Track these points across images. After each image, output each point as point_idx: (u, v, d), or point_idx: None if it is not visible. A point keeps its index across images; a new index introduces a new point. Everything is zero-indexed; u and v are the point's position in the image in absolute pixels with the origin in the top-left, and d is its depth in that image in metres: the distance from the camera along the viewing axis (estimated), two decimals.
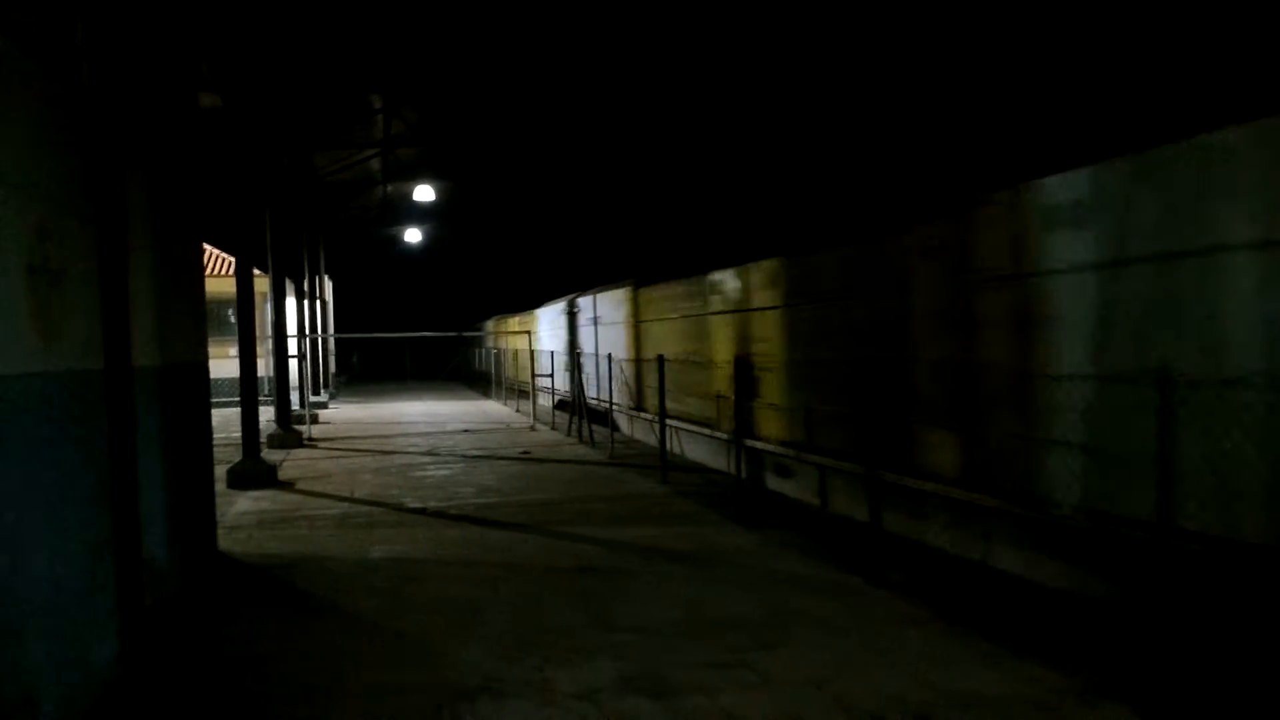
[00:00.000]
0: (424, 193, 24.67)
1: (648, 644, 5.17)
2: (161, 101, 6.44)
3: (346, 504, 10.02)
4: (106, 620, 4.78)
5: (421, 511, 9.45)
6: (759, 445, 10.08)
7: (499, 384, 27.01)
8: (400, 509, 9.62)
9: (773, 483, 10.32)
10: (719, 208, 26.00)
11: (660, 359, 11.08)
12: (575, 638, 5.30)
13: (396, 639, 5.38)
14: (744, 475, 10.07)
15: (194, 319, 6.98)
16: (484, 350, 34.66)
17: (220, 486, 11.02)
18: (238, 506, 9.98)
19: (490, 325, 34.59)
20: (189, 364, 6.59)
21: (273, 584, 6.70)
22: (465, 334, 30.04)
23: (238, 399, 12.02)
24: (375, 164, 25.27)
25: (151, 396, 5.93)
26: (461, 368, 40.30)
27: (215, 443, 15.83)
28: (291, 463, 13.61)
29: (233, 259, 27.39)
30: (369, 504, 10.00)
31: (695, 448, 13.65)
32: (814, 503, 9.30)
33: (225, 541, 8.06)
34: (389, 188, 28.09)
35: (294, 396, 19.19)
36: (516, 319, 30.37)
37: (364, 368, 44.07)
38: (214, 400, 22.40)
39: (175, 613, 5.97)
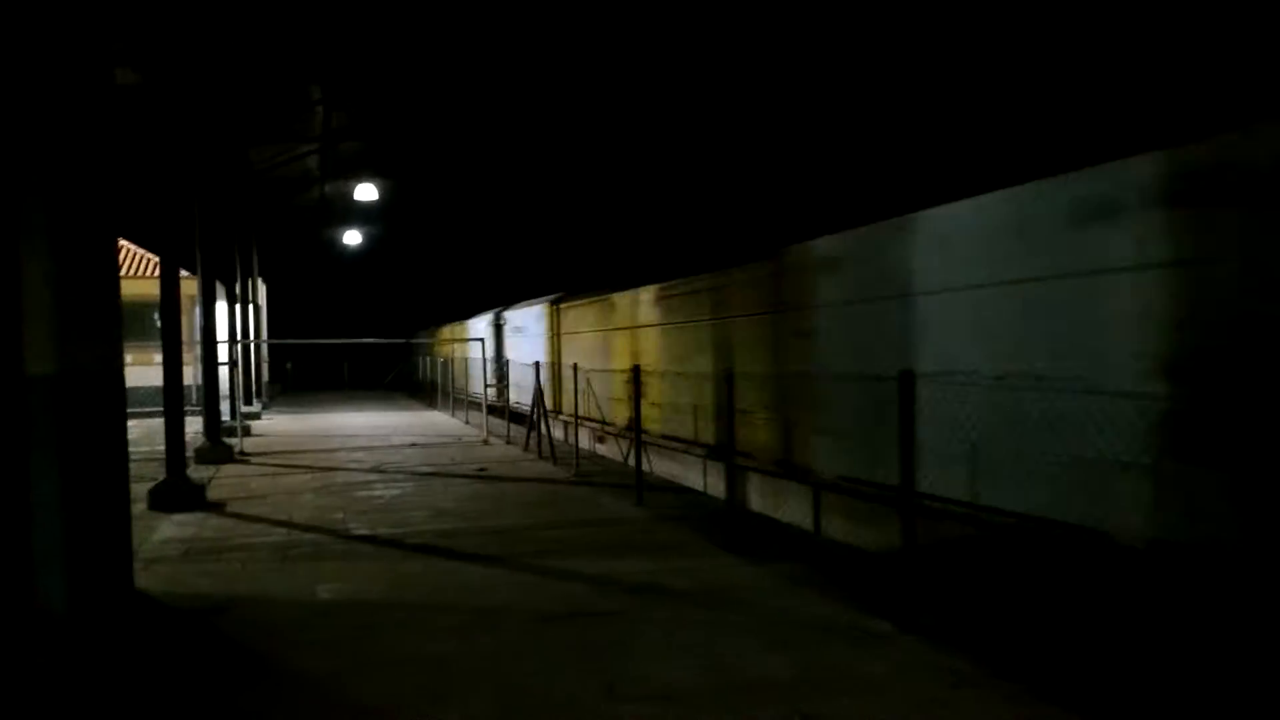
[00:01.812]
0: (365, 191, 23.40)
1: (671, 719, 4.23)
2: (58, 65, 5.31)
3: (285, 530, 8.86)
4: None
5: (372, 540, 8.35)
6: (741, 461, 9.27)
7: (445, 395, 25.76)
8: (347, 536, 8.51)
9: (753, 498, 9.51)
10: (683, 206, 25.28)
11: (636, 370, 10.16)
12: (579, 711, 4.33)
13: (355, 717, 4.34)
14: (735, 497, 9.19)
15: (104, 320, 5.82)
16: (429, 359, 33.29)
17: (140, 508, 9.78)
18: (160, 533, 8.75)
19: (444, 332, 33.26)
20: (97, 371, 5.44)
21: (201, 634, 5.57)
22: (411, 341, 28.70)
23: (162, 409, 10.75)
24: (313, 161, 23.88)
25: (48, 409, 4.80)
26: (406, 377, 38.76)
27: (138, 457, 14.46)
28: (222, 480, 12.33)
29: (157, 258, 25.72)
30: (311, 530, 8.85)
31: (666, 464, 12.78)
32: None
33: (145, 578, 6.87)
34: (327, 186, 26.68)
35: (225, 407, 17.77)
36: (469, 324, 29.28)
37: (299, 377, 42.05)
38: (139, 410, 20.76)
39: (71, 677, 4.82)
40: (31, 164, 4.85)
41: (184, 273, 16.68)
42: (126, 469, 6.12)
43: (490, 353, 20.36)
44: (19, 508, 3.95)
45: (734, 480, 8.76)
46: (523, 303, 22.86)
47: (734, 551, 7.56)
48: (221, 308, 21.53)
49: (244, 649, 5.27)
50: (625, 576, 6.81)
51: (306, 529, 8.89)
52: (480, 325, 25.88)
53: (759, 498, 10.08)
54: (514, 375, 19.27)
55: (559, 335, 18.73)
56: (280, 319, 38.65)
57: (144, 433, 18.58)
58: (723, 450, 10.64)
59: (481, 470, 12.95)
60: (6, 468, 3.89)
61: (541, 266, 32.61)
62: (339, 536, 8.50)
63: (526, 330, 21.50)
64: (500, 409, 20.74)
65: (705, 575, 6.80)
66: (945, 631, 5.46)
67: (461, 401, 23.93)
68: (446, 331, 32.38)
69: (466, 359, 25.22)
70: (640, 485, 10.11)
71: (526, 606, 6.05)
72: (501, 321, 21.60)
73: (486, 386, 19.23)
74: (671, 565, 7.12)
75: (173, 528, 9.01)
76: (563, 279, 25.53)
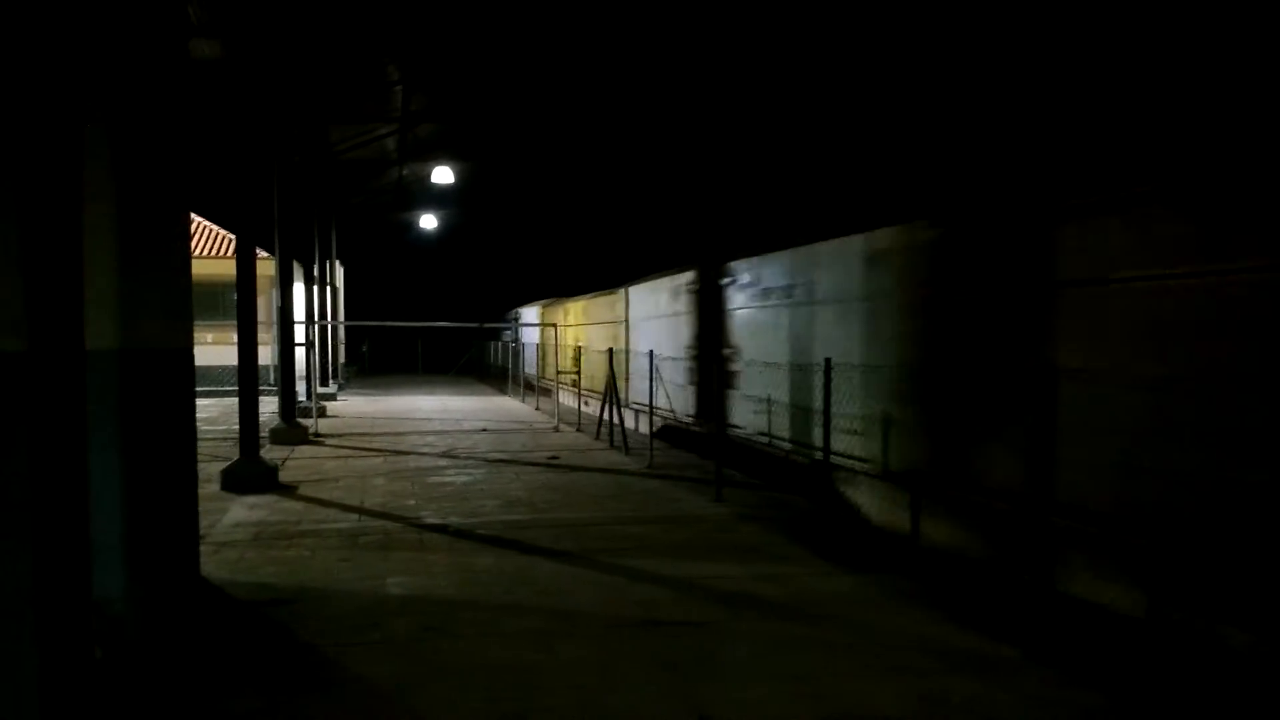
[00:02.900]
0: (443, 174, 23.23)
1: None
2: (134, 38, 5.01)
3: (356, 516, 8.61)
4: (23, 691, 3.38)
5: (443, 529, 8.03)
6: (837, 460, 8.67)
7: (515, 380, 25.60)
8: (418, 525, 8.20)
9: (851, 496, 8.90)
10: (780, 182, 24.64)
11: (721, 359, 9.63)
12: None
13: None
14: (824, 497, 8.63)
15: (173, 295, 5.53)
16: (500, 344, 33.21)
17: (213, 489, 9.67)
18: (231, 515, 8.57)
19: (534, 313, 33.05)
20: (165, 349, 5.16)
21: (265, 631, 5.27)
22: (486, 325, 28.67)
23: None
24: (391, 143, 23.82)
25: (109, 388, 4.52)
26: (476, 362, 38.83)
27: (214, 436, 14.52)
28: (295, 462, 12.21)
29: (234, 237, 26.12)
30: (382, 516, 8.58)
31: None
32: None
33: (211, 564, 6.65)
34: (405, 169, 26.66)
35: (301, 387, 17.80)
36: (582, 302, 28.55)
37: (374, 359, 42.52)
38: (218, 389, 20.96)
39: (129, 676, 4.55)
40: (95, 114, 4.57)
41: (262, 253, 16.76)
42: (194, 453, 5.85)
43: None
44: (75, 495, 3.64)
45: (828, 479, 8.15)
46: (602, 291, 22.49)
47: (826, 557, 7.02)
48: (299, 289, 21.66)
49: (309, 649, 4.95)
50: (710, 581, 6.32)
51: (377, 515, 8.62)
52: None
53: (850, 499, 9.48)
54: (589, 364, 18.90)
55: (628, 322, 18.31)
56: (357, 301, 39.05)
57: (222, 412, 18.79)
58: (805, 447, 10.09)
59: (553, 458, 12.60)
60: (63, 450, 3.58)
61: (622, 251, 32.17)
62: (410, 524, 8.20)
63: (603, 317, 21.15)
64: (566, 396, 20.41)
65: (798, 584, 6.27)
66: (1070, 655, 4.86)
67: (531, 388, 23.71)
68: (550, 309, 32.16)
69: (545, 346, 25.04)
70: (720, 480, 9.61)
71: (605, 612, 5.62)
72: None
73: (560, 373, 18.89)
74: (759, 571, 6.62)
75: (243, 510, 8.83)
76: (637, 264, 25.15)
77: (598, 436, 14.80)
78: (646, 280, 17.02)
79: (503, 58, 17.38)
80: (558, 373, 19.11)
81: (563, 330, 24.30)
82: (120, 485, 4.58)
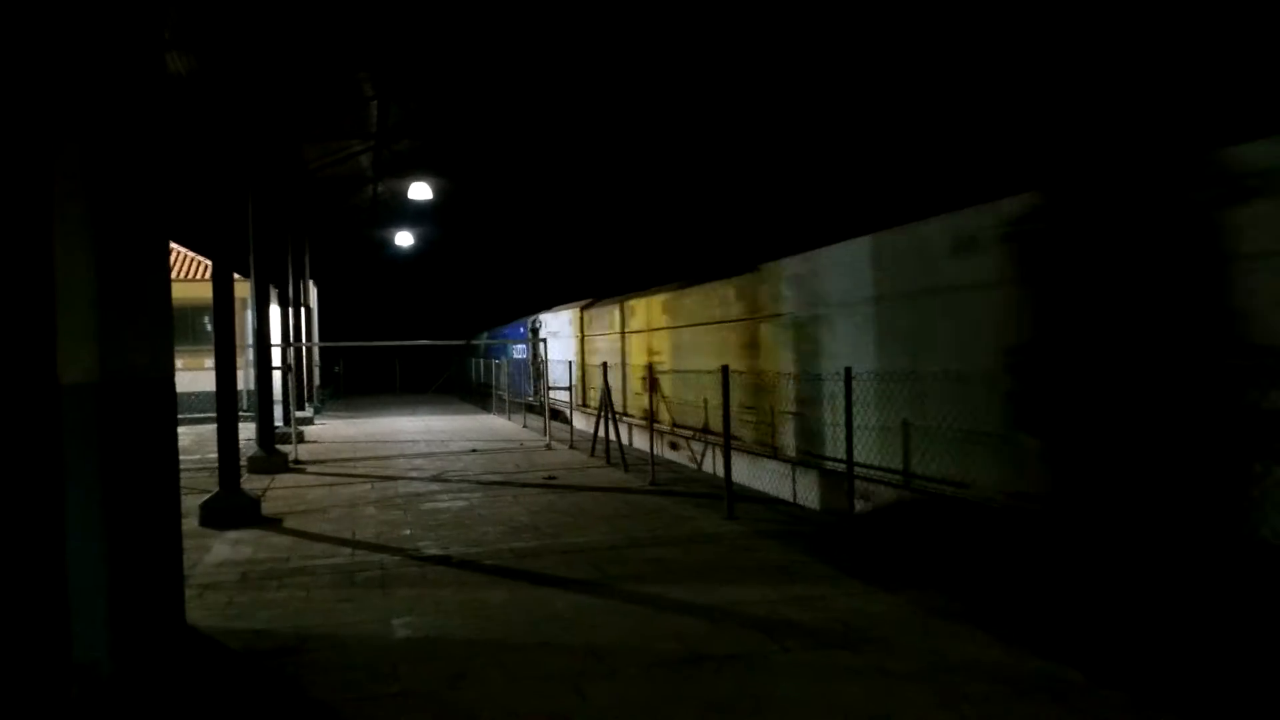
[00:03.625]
0: (420, 190, 22.73)
1: None
2: (109, 46, 4.54)
3: (350, 550, 8.09)
4: None
5: (445, 561, 7.54)
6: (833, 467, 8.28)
7: (499, 398, 25.07)
8: (418, 557, 7.70)
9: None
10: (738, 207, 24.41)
11: (725, 370, 9.23)
12: None
13: None
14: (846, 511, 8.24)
15: (154, 321, 5.03)
16: (483, 361, 32.60)
17: (192, 524, 9.11)
18: (214, 554, 8.02)
19: (564, 319, 30.67)
20: (146, 379, 4.66)
21: (271, 686, 4.76)
22: (472, 341, 28.08)
23: (214, 415, 10.07)
24: (366, 160, 23.33)
25: (88, 424, 4.03)
26: (457, 380, 38.18)
27: (188, 466, 13.86)
28: (277, 491, 11.65)
29: (205, 261, 25.37)
30: (377, 549, 8.07)
31: (742, 469, 11.86)
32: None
33: (197, 610, 6.12)
34: (380, 186, 26.14)
35: (277, 412, 17.19)
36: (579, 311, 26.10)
37: (349, 380, 41.72)
38: (189, 416, 20.26)
39: None
40: (70, 125, 4.09)
41: (236, 275, 16.19)
42: (177, 490, 5.34)
43: (552, 354, 19.54)
44: (51, 545, 3.15)
45: (852, 492, 7.74)
46: (604, 300, 21.77)
47: (857, 575, 6.62)
48: (273, 311, 21.03)
49: (323, 708, 4.45)
50: (743, 607, 5.90)
51: (373, 548, 8.11)
52: (556, 320, 25.05)
53: (868, 510, 9.11)
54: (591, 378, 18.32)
55: (625, 334, 17.84)
56: (330, 322, 38.32)
57: (194, 440, 18.12)
58: (818, 457, 9.72)
59: (550, 478, 12.13)
60: (36, 494, 3.09)
61: (602, 267, 31.79)
62: (409, 557, 7.70)
63: (599, 331, 20.53)
64: (553, 412, 19.94)
65: (835, 607, 5.86)
66: (1138, 676, 4.49)
67: (518, 405, 23.20)
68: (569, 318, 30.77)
69: (525, 362, 24.49)
70: (731, 496, 9.20)
71: (640, 647, 5.17)
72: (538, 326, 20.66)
73: (548, 388, 18.39)
74: (791, 593, 6.20)
75: (227, 548, 8.28)
76: (627, 278, 24.77)
77: (593, 453, 14.34)
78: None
79: (479, 70, 16.99)
80: (545, 388, 18.50)
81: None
82: (102, 529, 4.08)
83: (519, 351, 27.90)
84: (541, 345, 20.09)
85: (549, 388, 18.78)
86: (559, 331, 23.98)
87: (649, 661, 4.93)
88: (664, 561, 7.27)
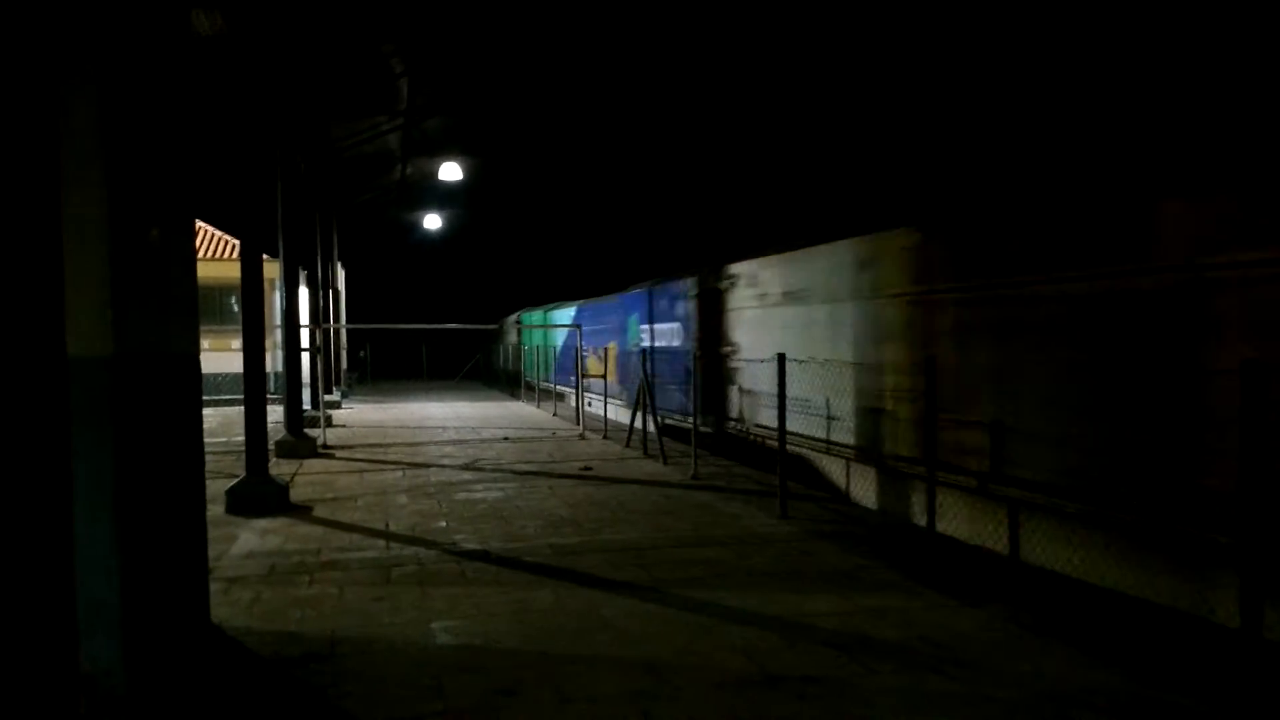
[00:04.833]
0: (449, 171, 22.26)
1: None
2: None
3: (384, 542, 7.65)
4: None
5: (484, 556, 7.08)
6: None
7: (529, 385, 24.66)
8: (455, 552, 7.25)
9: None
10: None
11: (781, 358, 8.70)
12: None
13: None
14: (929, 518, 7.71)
15: (176, 292, 4.56)
16: (508, 346, 32.14)
17: (217, 511, 8.70)
18: (241, 544, 7.62)
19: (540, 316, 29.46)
20: (168, 355, 4.21)
21: (301, 701, 4.32)
22: (500, 325, 27.56)
23: (240, 397, 9.67)
24: (395, 139, 22.87)
25: (99, 404, 3.58)
26: (482, 366, 37.78)
27: (215, 449, 13.50)
28: (305, 477, 11.26)
29: (233, 240, 25.07)
30: (412, 542, 7.63)
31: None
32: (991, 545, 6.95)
33: (223, 606, 5.70)
34: (409, 167, 25.71)
35: (305, 395, 16.84)
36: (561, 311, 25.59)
37: (375, 364, 41.42)
38: (216, 399, 19.98)
39: None
40: (82, 68, 3.64)
41: (264, 255, 15.79)
42: (203, 475, 4.90)
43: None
44: (57, 542, 2.70)
45: (932, 495, 7.15)
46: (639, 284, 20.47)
47: (931, 585, 6.09)
48: (302, 292, 20.69)
49: None
50: (813, 620, 5.39)
51: (408, 540, 7.67)
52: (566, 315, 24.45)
53: (923, 509, 8.55)
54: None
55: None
56: (357, 304, 38.03)
57: (221, 422, 17.82)
58: (878, 455, 9.17)
59: (586, 469, 11.65)
60: (43, 484, 2.64)
61: (630, 252, 31.26)
62: (446, 552, 7.25)
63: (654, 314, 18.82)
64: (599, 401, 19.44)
65: (916, 622, 5.33)
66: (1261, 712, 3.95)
67: (547, 392, 22.77)
68: (535, 317, 30.11)
69: (554, 348, 24.02)
70: (784, 494, 8.67)
71: (703, 664, 4.67)
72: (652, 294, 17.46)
73: (583, 376, 17.90)
74: (864, 604, 5.68)
75: (255, 537, 7.88)
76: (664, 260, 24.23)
77: (628, 444, 13.85)
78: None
79: (511, 45, 16.48)
80: (580, 377, 17.80)
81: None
82: (111, 515, 3.64)
83: (563, 336, 25.74)
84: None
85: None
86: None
87: (715, 680, 4.44)
88: (716, 564, 6.77)
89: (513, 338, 32.17)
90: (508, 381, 31.17)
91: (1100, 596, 6.16)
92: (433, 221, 29.94)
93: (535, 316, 29.40)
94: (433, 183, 25.34)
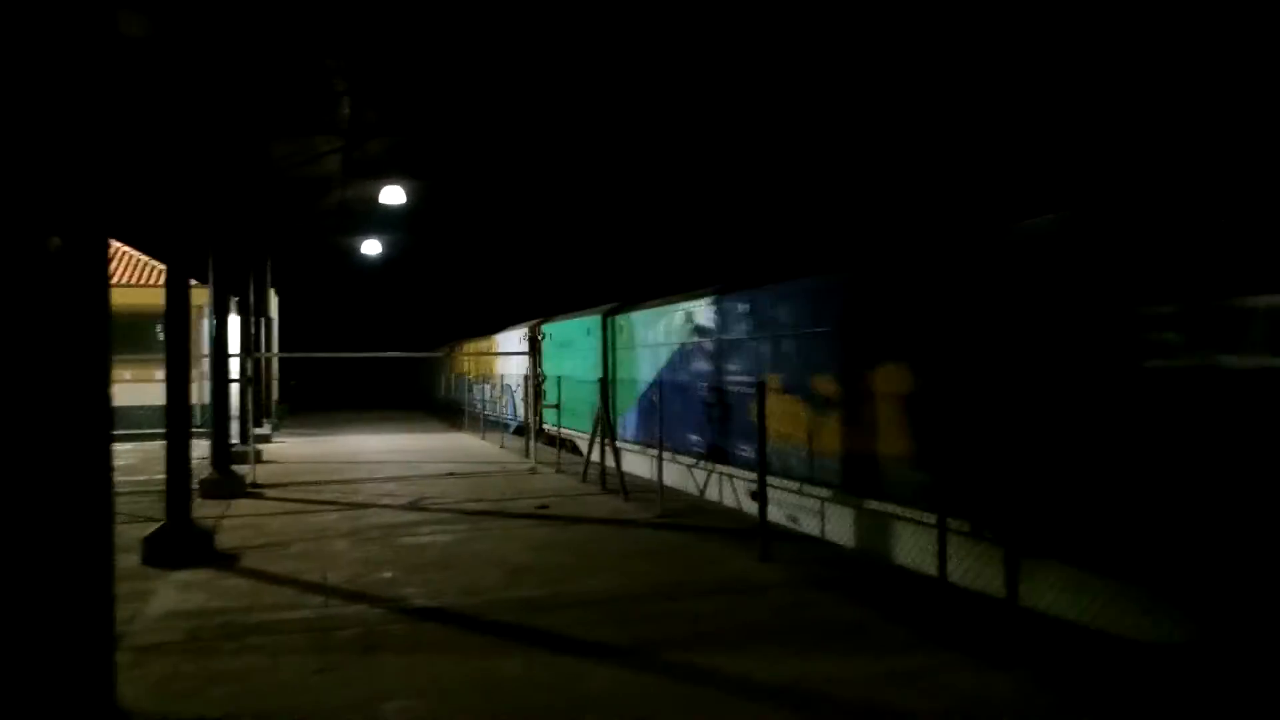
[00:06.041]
0: (392, 194, 21.38)
1: None
2: None
3: (322, 598, 6.77)
4: None
5: (439, 615, 6.26)
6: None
7: (474, 416, 23.72)
8: (405, 609, 6.41)
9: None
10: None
11: (761, 386, 8.07)
12: None
13: None
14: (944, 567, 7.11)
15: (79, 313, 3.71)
16: (451, 376, 31.11)
17: (133, 562, 7.72)
18: (158, 602, 6.66)
19: (477, 345, 28.67)
20: (62, 393, 3.37)
21: None
22: (442, 354, 26.66)
23: (163, 431, 8.69)
24: (334, 161, 21.93)
25: None
26: (425, 395, 36.55)
27: (132, 489, 12.31)
28: (233, 520, 10.26)
29: (158, 264, 23.73)
30: (355, 598, 6.76)
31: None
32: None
33: (134, 683, 4.79)
34: (348, 190, 24.71)
35: (233, 428, 15.70)
36: (498, 338, 25.27)
37: (308, 395, 39.73)
38: (137, 432, 18.64)
39: None
40: None
41: (191, 281, 14.73)
42: (110, 535, 4.03)
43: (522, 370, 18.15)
44: None
45: (942, 541, 6.51)
46: (568, 314, 20.40)
47: (947, 644, 5.46)
48: (231, 320, 19.51)
49: None
50: (828, 688, 4.71)
51: (350, 596, 6.80)
52: (515, 338, 23.68)
53: (919, 554, 7.97)
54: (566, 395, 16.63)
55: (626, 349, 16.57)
56: (292, 332, 36.49)
57: (142, 458, 16.54)
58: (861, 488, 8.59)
59: (543, 507, 10.85)
60: None
61: (574, 280, 30.60)
62: (395, 610, 6.40)
63: (574, 345, 19.12)
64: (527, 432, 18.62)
65: (948, 688, 4.69)
66: None
67: (495, 423, 21.86)
68: (480, 344, 29.20)
69: (502, 376, 23.15)
70: (765, 535, 8.00)
71: None
72: (540, 336, 18.97)
73: (539, 407, 17.08)
74: (881, 668, 5.02)
75: (174, 593, 6.92)
76: (608, 290, 23.65)
77: (584, 478, 13.09)
78: None
79: (456, 66, 15.80)
80: (533, 407, 17.06)
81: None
82: None
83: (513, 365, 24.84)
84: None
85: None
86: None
87: None
88: (705, 620, 6.06)
89: (458, 366, 31.17)
90: (451, 411, 30.10)
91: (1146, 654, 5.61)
92: (372, 246, 28.84)
93: (482, 344, 28.55)
94: (372, 207, 24.39)
